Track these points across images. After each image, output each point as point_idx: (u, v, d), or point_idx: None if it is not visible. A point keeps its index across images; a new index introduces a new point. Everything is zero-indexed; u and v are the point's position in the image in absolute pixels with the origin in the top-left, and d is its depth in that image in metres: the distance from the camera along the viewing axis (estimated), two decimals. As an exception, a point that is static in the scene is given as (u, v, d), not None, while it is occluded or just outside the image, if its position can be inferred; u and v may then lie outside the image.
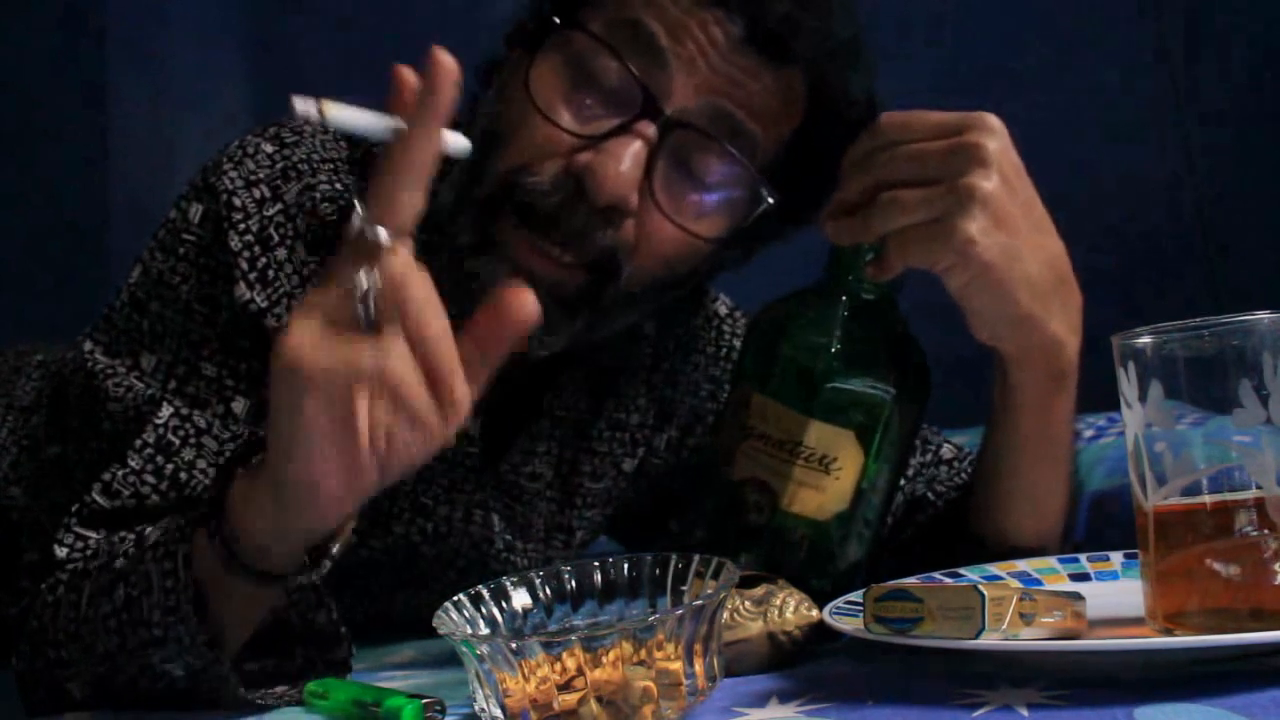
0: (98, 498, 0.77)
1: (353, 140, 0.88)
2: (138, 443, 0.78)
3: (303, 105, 0.57)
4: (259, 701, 0.68)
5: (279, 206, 0.82)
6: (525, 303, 0.59)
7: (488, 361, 0.59)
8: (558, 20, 0.78)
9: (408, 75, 0.59)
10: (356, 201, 0.58)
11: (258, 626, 0.70)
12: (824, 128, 0.81)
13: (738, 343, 1.01)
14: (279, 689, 0.70)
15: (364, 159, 0.87)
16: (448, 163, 0.88)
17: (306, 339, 0.57)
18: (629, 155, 0.75)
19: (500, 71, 0.84)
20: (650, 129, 0.76)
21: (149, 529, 0.73)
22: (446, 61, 0.57)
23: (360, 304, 0.56)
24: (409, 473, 0.61)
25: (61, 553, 0.75)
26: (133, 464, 0.77)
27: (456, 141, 0.62)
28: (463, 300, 0.70)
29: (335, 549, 0.68)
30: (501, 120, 0.80)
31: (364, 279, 0.56)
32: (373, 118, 0.59)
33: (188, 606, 0.66)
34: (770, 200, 0.80)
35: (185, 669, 0.68)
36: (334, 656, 0.72)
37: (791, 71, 0.79)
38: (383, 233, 0.57)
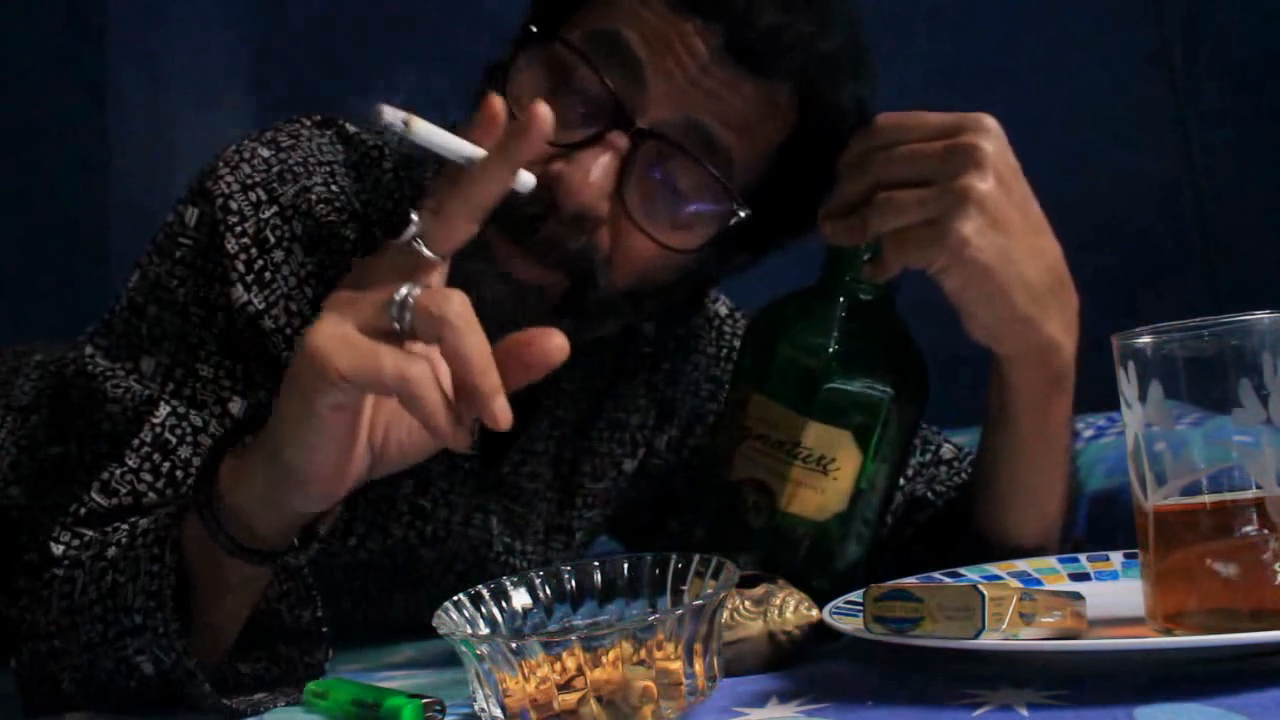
0: (95, 496, 0.77)
1: (349, 145, 0.88)
2: (135, 442, 0.78)
3: (391, 115, 0.58)
4: (234, 706, 0.68)
5: (275, 209, 0.83)
6: (556, 344, 0.61)
7: (505, 386, 0.60)
8: (535, 29, 0.79)
9: (498, 107, 0.62)
10: (414, 214, 0.60)
11: (246, 623, 0.71)
12: (817, 138, 0.80)
13: (738, 343, 1.01)
14: (257, 696, 0.69)
15: (361, 162, 0.87)
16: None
17: (337, 335, 0.59)
18: (598, 166, 0.75)
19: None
20: (622, 140, 0.76)
21: (142, 520, 0.74)
22: (545, 115, 0.60)
23: (397, 310, 0.58)
24: (401, 469, 0.65)
25: (58, 550, 0.76)
26: (130, 463, 0.78)
27: (525, 179, 0.63)
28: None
29: (323, 529, 0.69)
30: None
31: (404, 288, 0.59)
32: (456, 142, 0.61)
33: (167, 592, 0.67)
34: (742, 214, 0.79)
35: (155, 664, 0.68)
36: (313, 659, 0.73)
37: (775, 83, 0.78)
38: (428, 250, 0.60)
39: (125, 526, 0.75)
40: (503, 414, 0.59)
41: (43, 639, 0.73)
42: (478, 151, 0.61)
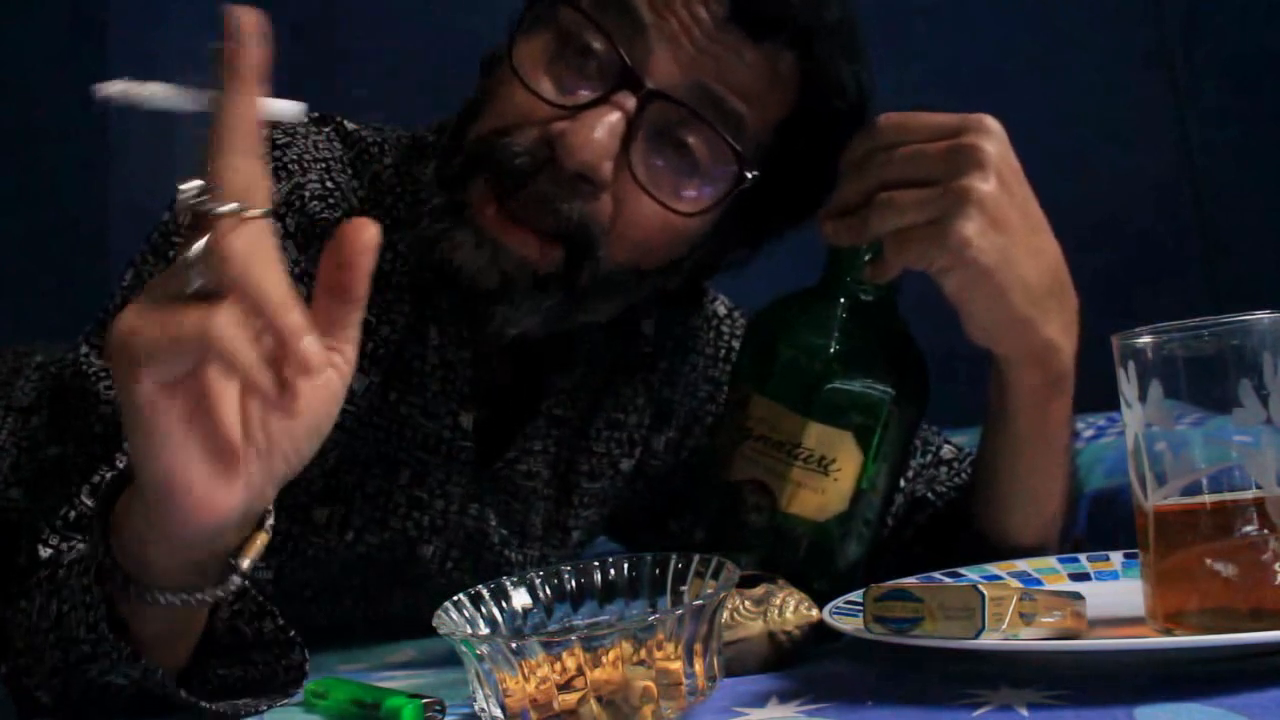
0: (85, 500, 0.76)
1: (347, 142, 0.88)
2: (126, 444, 0.78)
3: (107, 89, 0.51)
4: (218, 710, 0.65)
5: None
6: (364, 228, 0.54)
7: (350, 305, 0.55)
8: None
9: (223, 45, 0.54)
10: (180, 181, 0.52)
11: (215, 634, 0.67)
12: (816, 117, 0.81)
13: (737, 343, 1.01)
14: (242, 701, 0.66)
15: (358, 159, 0.87)
16: (438, 137, 0.88)
17: (136, 315, 0.52)
18: (603, 124, 0.75)
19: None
20: (629, 100, 0.75)
21: (80, 544, 0.70)
22: (246, 19, 0.53)
23: (189, 271, 0.51)
24: (300, 463, 0.56)
25: (45, 553, 0.74)
26: (120, 465, 0.77)
27: (286, 108, 0.58)
28: (427, 267, 0.74)
29: (245, 564, 0.60)
30: (485, 92, 0.81)
31: (198, 243, 0.51)
32: (186, 93, 0.54)
33: (103, 625, 0.62)
34: (749, 176, 0.79)
35: (126, 680, 0.64)
36: (290, 661, 0.69)
37: (779, 52, 0.78)
38: (215, 203, 0.51)
39: (77, 540, 0.72)
40: (311, 355, 0.51)
41: (19, 655, 0.70)
42: (211, 93, 0.54)
